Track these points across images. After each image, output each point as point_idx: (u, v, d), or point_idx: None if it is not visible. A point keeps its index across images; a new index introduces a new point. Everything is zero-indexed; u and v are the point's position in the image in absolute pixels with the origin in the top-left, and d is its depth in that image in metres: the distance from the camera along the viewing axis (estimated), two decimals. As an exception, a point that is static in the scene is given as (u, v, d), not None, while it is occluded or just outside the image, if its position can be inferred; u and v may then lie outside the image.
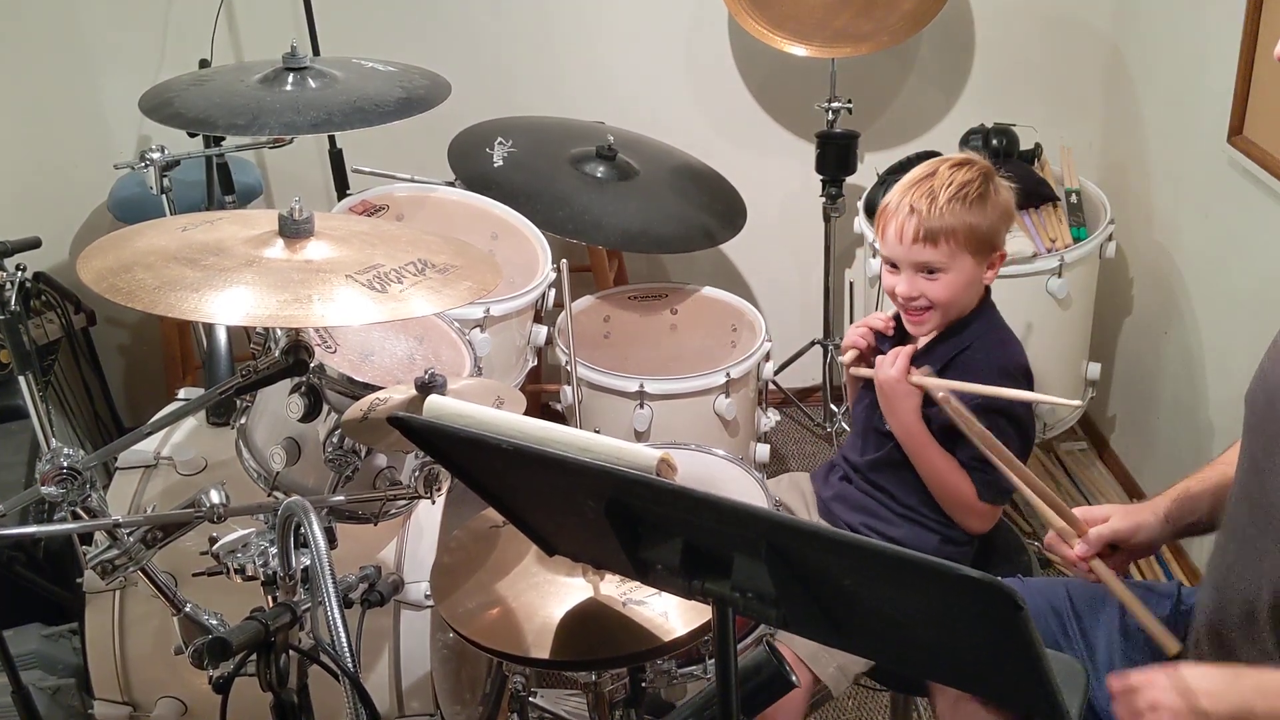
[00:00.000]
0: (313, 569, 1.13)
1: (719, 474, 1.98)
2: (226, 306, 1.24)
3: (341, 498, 1.51)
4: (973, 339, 1.84)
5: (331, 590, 1.07)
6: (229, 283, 1.28)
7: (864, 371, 1.88)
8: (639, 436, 2.30)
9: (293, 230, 1.37)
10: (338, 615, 1.05)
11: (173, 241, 1.38)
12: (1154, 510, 1.52)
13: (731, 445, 2.37)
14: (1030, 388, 1.86)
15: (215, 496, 1.47)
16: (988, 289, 1.88)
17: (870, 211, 2.61)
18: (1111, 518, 1.53)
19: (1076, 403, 1.66)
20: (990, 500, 1.83)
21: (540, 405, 2.99)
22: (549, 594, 1.39)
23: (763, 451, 2.48)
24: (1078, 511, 1.56)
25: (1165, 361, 2.76)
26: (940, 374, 1.79)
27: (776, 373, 2.91)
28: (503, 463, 1.07)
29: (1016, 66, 3.01)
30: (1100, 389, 2.83)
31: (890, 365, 1.81)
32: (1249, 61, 2.27)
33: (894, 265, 1.82)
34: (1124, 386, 3.00)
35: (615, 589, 1.36)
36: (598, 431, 2.34)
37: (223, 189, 2.62)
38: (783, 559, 0.95)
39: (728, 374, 2.30)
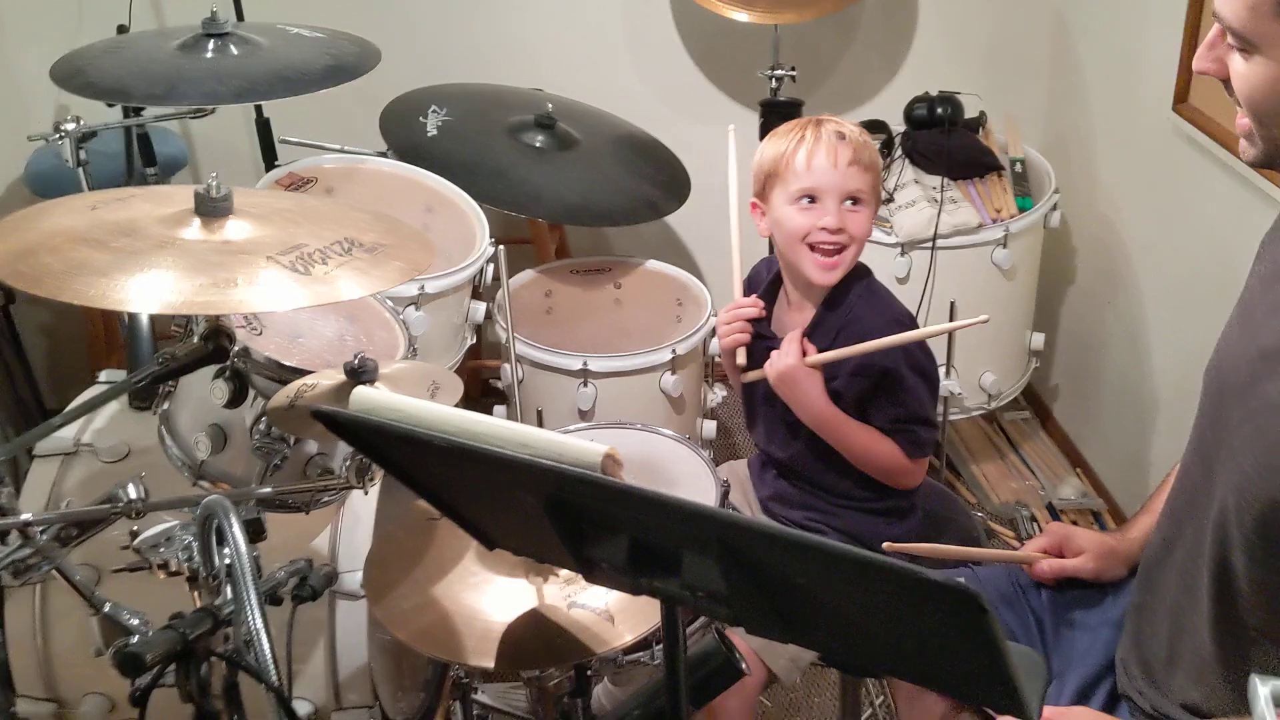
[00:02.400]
0: (234, 575, 1.06)
1: (666, 455, 1.93)
2: (139, 293, 1.16)
3: (269, 490, 1.44)
4: (856, 301, 1.80)
5: (254, 599, 1.00)
6: (142, 266, 1.20)
7: (756, 375, 1.81)
8: (583, 415, 2.24)
9: (210, 209, 1.29)
10: (260, 626, 0.99)
11: (81, 221, 1.29)
12: (1126, 560, 1.51)
13: (678, 422, 2.33)
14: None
15: (133, 490, 1.39)
16: None
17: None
18: (1085, 555, 1.52)
19: (983, 317, 1.63)
20: (919, 455, 1.80)
21: (480, 382, 2.92)
22: (490, 595, 1.33)
23: (709, 428, 2.44)
24: (1054, 528, 1.56)
25: (1109, 331, 2.76)
26: (831, 347, 1.75)
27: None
28: (436, 458, 1.01)
29: (960, 33, 2.97)
30: (1043, 359, 2.82)
31: (785, 355, 1.76)
32: (1194, 29, 2.24)
33: (812, 199, 1.75)
34: (1067, 356, 2.99)
35: (559, 590, 1.31)
36: (540, 413, 2.29)
37: (143, 161, 2.51)
38: (734, 557, 0.91)
39: (673, 351, 2.25)
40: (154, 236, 1.26)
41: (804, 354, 1.76)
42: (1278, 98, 1.06)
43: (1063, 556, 1.53)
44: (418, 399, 0.99)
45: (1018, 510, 2.76)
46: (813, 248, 1.75)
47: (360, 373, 1.45)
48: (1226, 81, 1.12)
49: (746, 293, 1.89)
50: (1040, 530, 2.70)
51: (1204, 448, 1.21)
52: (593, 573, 1.04)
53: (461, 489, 1.10)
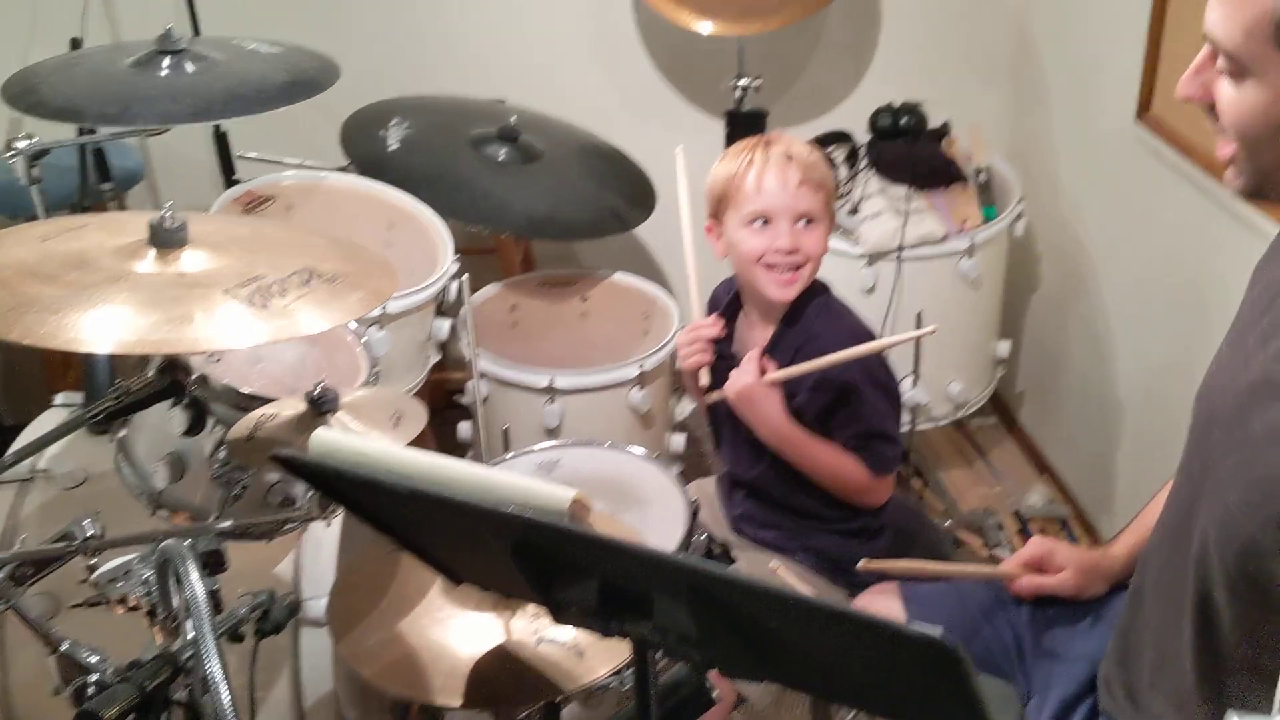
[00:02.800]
0: (194, 621, 1.04)
1: (635, 475, 1.91)
2: (91, 330, 1.12)
3: (229, 523, 1.40)
4: (814, 317, 1.80)
5: (212, 649, 0.97)
6: (94, 302, 1.16)
7: (718, 395, 1.81)
8: (550, 433, 2.22)
9: (165, 240, 1.25)
10: (219, 677, 0.96)
11: (31, 254, 1.25)
12: (1107, 577, 1.51)
13: (646, 437, 2.31)
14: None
15: (90, 528, 1.36)
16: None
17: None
18: (1065, 572, 1.51)
19: (931, 328, 1.66)
20: (882, 472, 1.80)
21: (444, 393, 2.89)
22: (457, 631, 1.31)
23: (678, 441, 2.42)
24: (1035, 543, 1.55)
25: (1073, 337, 2.77)
26: (793, 362, 1.75)
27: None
28: (399, 502, 0.99)
29: (923, 41, 2.97)
30: (1009, 365, 2.83)
31: (743, 374, 1.76)
32: (1157, 39, 2.25)
33: (766, 221, 1.75)
34: (1032, 362, 3.00)
35: (527, 625, 1.29)
36: (506, 431, 2.26)
37: (99, 177, 2.47)
38: (707, 603, 0.89)
39: (641, 366, 2.23)
40: (107, 269, 1.22)
41: (763, 372, 1.77)
42: (1269, 124, 1.03)
43: (1044, 572, 1.53)
44: (379, 442, 0.96)
45: (986, 518, 2.77)
46: (769, 267, 1.75)
47: (321, 403, 1.43)
48: (1210, 108, 1.09)
49: (708, 314, 1.89)
50: (1006, 539, 2.71)
51: (1191, 475, 1.21)
52: (562, 614, 1.02)
53: (426, 530, 1.08)
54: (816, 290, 1.81)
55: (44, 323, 1.11)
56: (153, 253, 1.26)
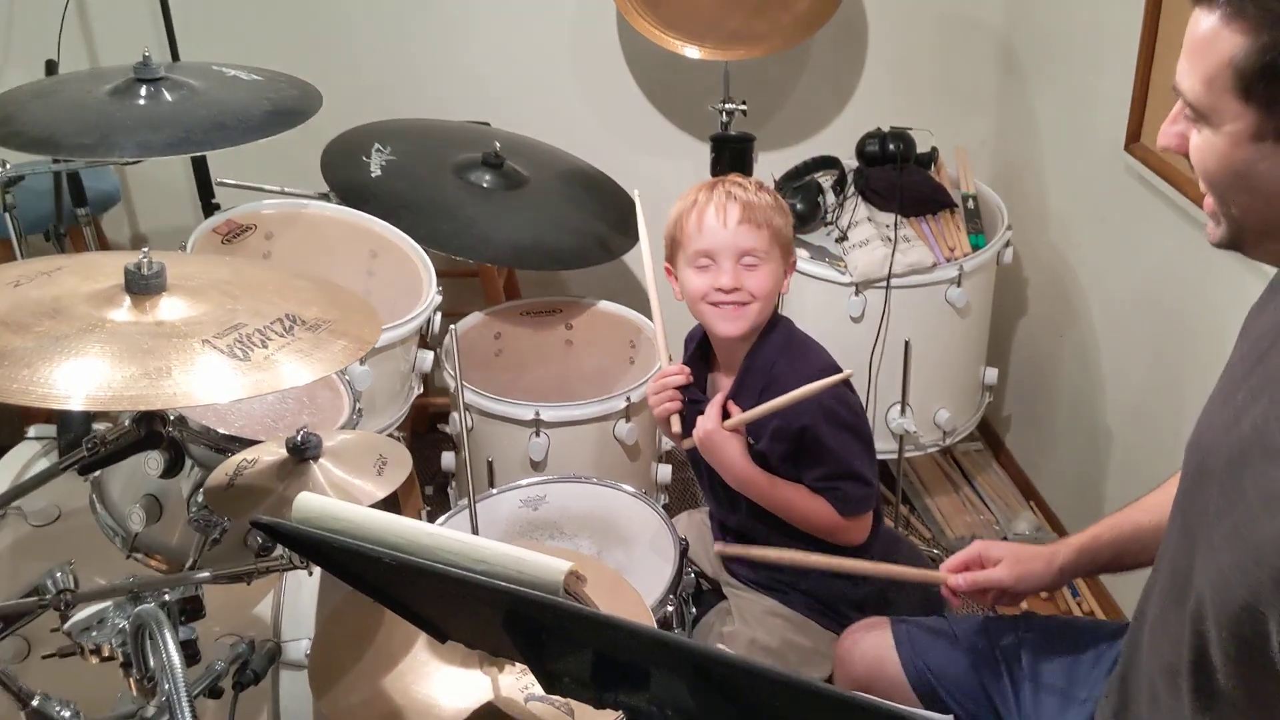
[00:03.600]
0: (169, 688, 1.00)
1: (622, 512, 1.88)
2: (65, 384, 1.09)
3: (206, 574, 1.36)
4: (775, 356, 1.79)
5: (188, 717, 0.93)
6: (67, 354, 1.12)
7: (690, 442, 1.80)
8: (535, 466, 2.19)
9: (141, 287, 1.22)
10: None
11: (3, 301, 1.21)
12: (1049, 561, 1.50)
13: (632, 469, 2.28)
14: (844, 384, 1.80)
15: (62, 581, 1.32)
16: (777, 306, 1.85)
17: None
18: (1001, 564, 1.51)
19: (848, 372, 1.72)
20: (853, 513, 1.78)
21: (428, 417, 2.85)
22: (443, 686, 1.27)
23: (664, 472, 2.39)
24: (972, 546, 1.55)
25: (1061, 364, 2.75)
26: (757, 405, 1.73)
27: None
28: (384, 569, 0.95)
29: (909, 65, 2.95)
30: (996, 390, 2.81)
31: (705, 421, 1.75)
32: (1146, 69, 2.24)
33: (709, 260, 1.75)
34: (1019, 388, 2.99)
35: (515, 681, 1.25)
36: (490, 463, 2.23)
37: (74, 201, 2.42)
38: (706, 679, 0.86)
39: (628, 398, 2.20)
40: (81, 318, 1.18)
41: (727, 416, 1.75)
42: (1226, 173, 1.04)
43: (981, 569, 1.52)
44: (363, 510, 0.93)
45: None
46: (714, 305, 1.76)
47: (303, 449, 1.39)
48: (1188, 156, 1.10)
49: (684, 354, 1.87)
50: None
51: (1187, 528, 1.18)
52: (554, 685, 0.98)
53: (412, 595, 1.04)
54: (776, 325, 1.81)
55: (14, 378, 1.08)
56: (128, 300, 1.22)
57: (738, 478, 1.76)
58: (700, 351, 1.87)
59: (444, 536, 0.91)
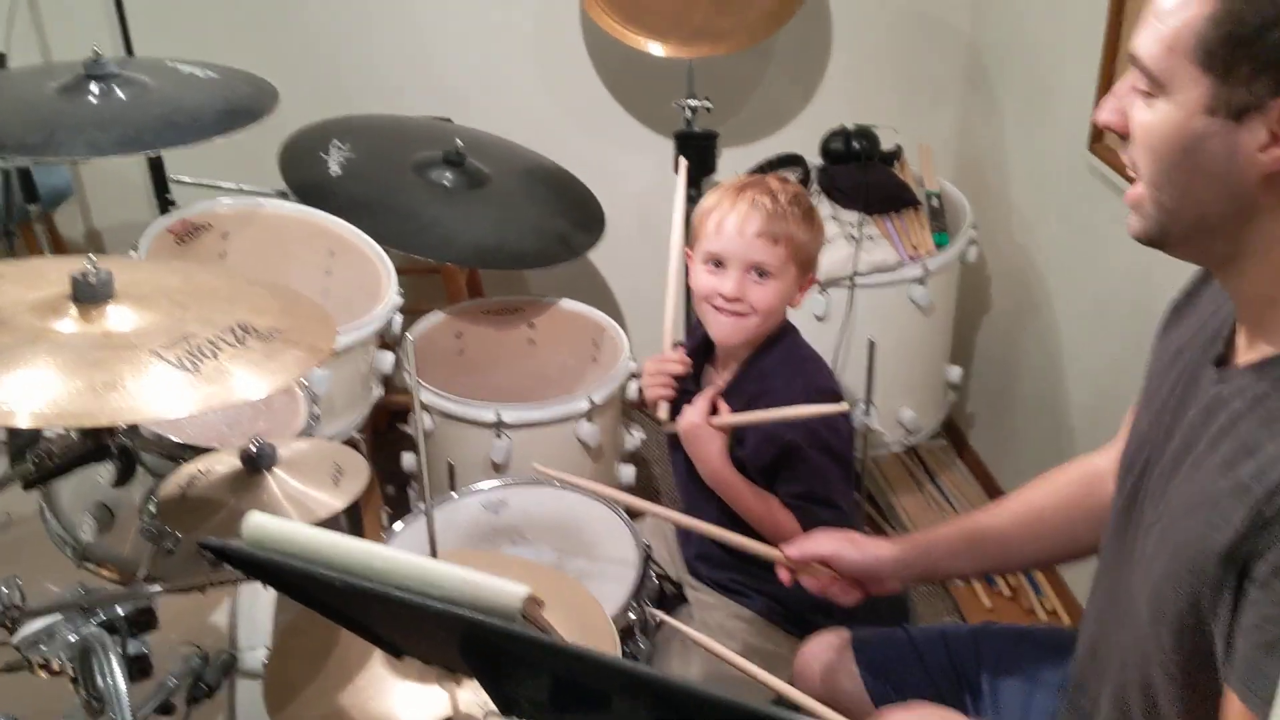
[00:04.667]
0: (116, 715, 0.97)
1: (584, 515, 1.86)
2: (7, 401, 1.05)
3: (158, 588, 1.33)
4: (774, 367, 1.78)
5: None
6: (9, 367, 1.09)
7: (673, 428, 1.80)
8: (497, 468, 2.16)
9: (88, 295, 1.18)
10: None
11: (-57, 310, 1.17)
12: (881, 547, 1.47)
13: (595, 470, 2.26)
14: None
15: (9, 596, 1.28)
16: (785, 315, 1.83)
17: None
18: (831, 538, 1.48)
19: (843, 406, 1.68)
20: None
21: (390, 416, 2.82)
22: (401, 703, 1.25)
23: (628, 473, 2.38)
24: (814, 532, 1.51)
25: (1024, 360, 2.76)
26: (745, 410, 1.74)
27: (638, 374, 2.79)
28: (338, 592, 0.93)
29: (873, 62, 2.95)
30: (960, 387, 2.81)
31: (692, 413, 1.74)
32: (1110, 69, 2.24)
33: (719, 264, 1.74)
34: (982, 385, 2.99)
35: (474, 697, 1.23)
36: (451, 466, 2.20)
37: (25, 197, 2.37)
38: (668, 706, 0.84)
39: (590, 400, 2.17)
40: (24, 329, 1.15)
41: (714, 412, 1.75)
42: (1172, 148, 1.00)
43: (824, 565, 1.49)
44: (315, 531, 0.90)
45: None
46: (716, 309, 1.75)
47: (257, 460, 1.36)
48: (1125, 137, 1.06)
49: (687, 341, 1.85)
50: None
51: (1121, 542, 1.18)
52: (511, 710, 0.96)
53: (366, 615, 1.02)
54: (781, 337, 1.79)
55: (-47, 393, 1.04)
56: (74, 309, 1.18)
57: (713, 475, 1.76)
58: (703, 343, 1.85)
59: (398, 560, 0.89)
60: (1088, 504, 1.39)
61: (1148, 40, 1.01)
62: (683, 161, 2.06)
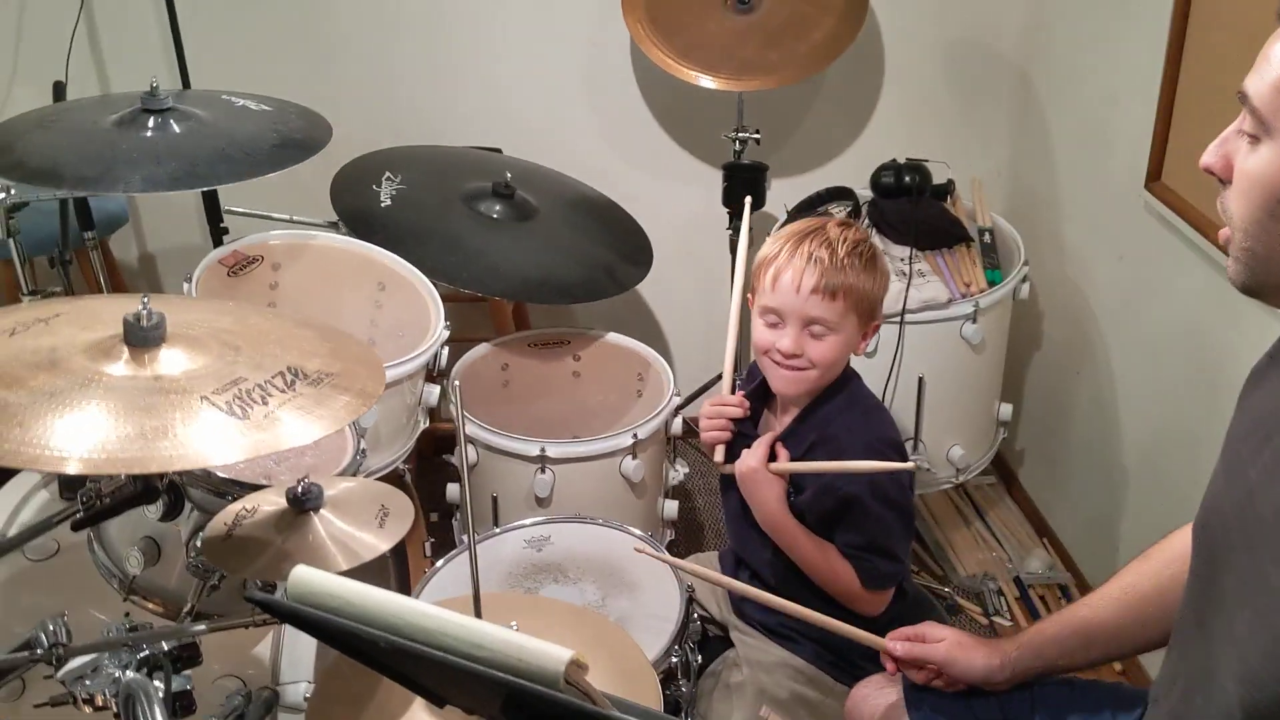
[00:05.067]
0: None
1: (627, 555, 1.85)
2: (60, 446, 1.06)
3: (202, 626, 1.33)
4: (835, 415, 1.75)
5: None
6: (62, 412, 1.10)
7: (729, 470, 1.79)
8: (540, 502, 2.16)
9: (140, 338, 1.19)
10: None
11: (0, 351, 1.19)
12: (990, 653, 1.47)
13: (638, 506, 2.25)
14: (903, 460, 1.76)
15: (55, 634, 1.29)
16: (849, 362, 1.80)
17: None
18: (942, 643, 1.49)
19: (911, 465, 1.73)
20: (875, 587, 1.75)
21: (436, 442, 2.82)
22: (441, 754, 1.24)
23: (671, 508, 2.36)
24: (925, 625, 1.54)
25: (1076, 400, 2.71)
26: (804, 457, 1.72)
27: (683, 406, 2.77)
28: (382, 649, 0.92)
29: (925, 97, 2.92)
30: (1009, 425, 2.77)
31: (750, 457, 1.72)
32: (1168, 107, 2.20)
33: (777, 318, 1.71)
34: (1033, 423, 2.95)
35: (515, 750, 1.22)
36: (495, 499, 2.20)
37: (80, 224, 2.40)
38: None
39: (634, 435, 2.16)
40: (78, 372, 1.15)
41: (773, 458, 1.72)
42: (1272, 193, 0.98)
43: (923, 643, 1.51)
44: (361, 587, 0.90)
45: (985, 584, 2.71)
46: (775, 362, 1.72)
47: (303, 501, 1.37)
48: (1225, 182, 1.05)
49: (746, 383, 1.84)
50: (1006, 606, 2.65)
51: (1201, 614, 1.14)
52: (554, 770, 0.95)
53: (409, 669, 1.01)
54: (844, 383, 1.76)
55: (7, 437, 1.05)
56: (126, 352, 1.19)
57: (770, 521, 1.74)
58: (761, 386, 1.83)
59: (443, 619, 0.88)
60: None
61: (1258, 81, 1.00)
62: (747, 200, 2.03)
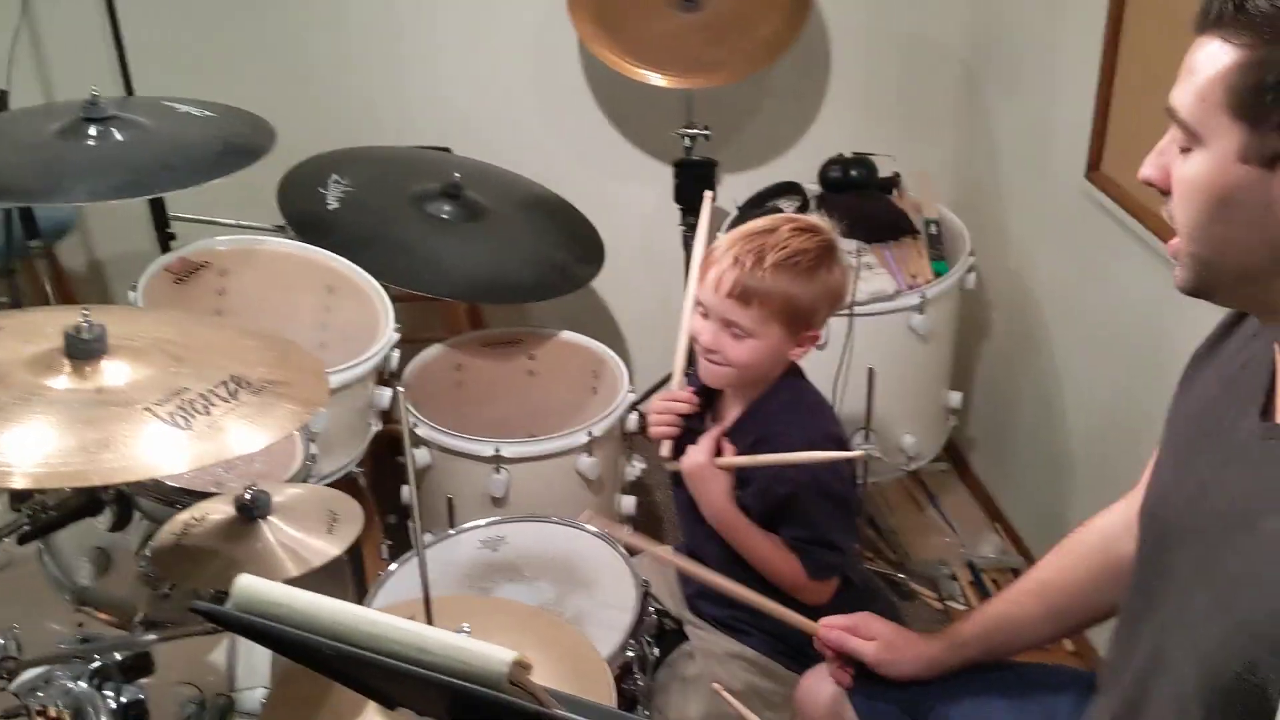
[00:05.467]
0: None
1: (583, 552, 1.86)
2: (2, 461, 1.06)
3: (153, 636, 1.34)
4: (779, 413, 1.78)
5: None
6: (4, 424, 1.10)
7: (675, 466, 1.81)
8: (496, 503, 2.17)
9: (81, 351, 1.19)
10: None
11: (-62, 366, 1.18)
12: (920, 652, 1.51)
13: (595, 502, 2.26)
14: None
15: (6, 647, 1.29)
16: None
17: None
18: (874, 641, 1.52)
19: (860, 452, 1.69)
20: (820, 577, 1.78)
21: (392, 443, 2.82)
22: (393, 756, 1.25)
23: (628, 503, 2.38)
24: (862, 616, 1.56)
25: (1024, 384, 2.76)
26: (748, 453, 1.74)
27: (638, 402, 2.79)
28: (328, 655, 0.93)
29: (871, 91, 2.95)
30: (960, 412, 2.81)
31: (697, 452, 1.75)
32: (1106, 99, 2.24)
33: (705, 310, 1.74)
34: (983, 409, 2.99)
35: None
36: (450, 500, 2.20)
37: (26, 233, 2.38)
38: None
39: (589, 433, 2.18)
40: (19, 386, 1.15)
41: (719, 453, 1.74)
42: (1209, 200, 1.01)
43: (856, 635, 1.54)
44: (306, 595, 0.91)
45: (939, 569, 2.75)
46: (701, 351, 1.75)
47: (252, 508, 1.37)
48: (1166, 193, 1.07)
49: (696, 379, 1.87)
50: (960, 590, 2.69)
51: (1151, 599, 1.16)
52: (501, 769, 0.96)
53: (357, 673, 1.02)
54: (787, 381, 1.79)
55: (-52, 453, 1.05)
56: (68, 365, 1.19)
57: (716, 515, 1.77)
58: None
59: (386, 625, 0.89)
60: (1109, 571, 1.40)
61: (1182, 93, 1.02)
62: (708, 194, 2.04)
